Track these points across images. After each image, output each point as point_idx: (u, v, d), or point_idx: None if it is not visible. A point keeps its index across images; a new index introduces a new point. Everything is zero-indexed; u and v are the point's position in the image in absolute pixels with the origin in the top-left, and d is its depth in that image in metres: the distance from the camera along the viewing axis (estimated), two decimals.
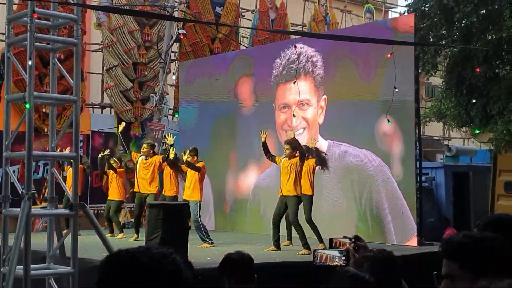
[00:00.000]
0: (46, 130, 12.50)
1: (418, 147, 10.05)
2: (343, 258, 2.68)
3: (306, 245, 8.43)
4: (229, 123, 12.31)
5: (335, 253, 2.73)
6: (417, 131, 9.99)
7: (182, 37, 13.14)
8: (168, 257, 1.38)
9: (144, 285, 1.34)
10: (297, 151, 8.76)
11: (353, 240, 2.79)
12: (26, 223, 5.51)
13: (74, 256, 5.85)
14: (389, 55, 9.36)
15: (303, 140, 11.03)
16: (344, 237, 2.86)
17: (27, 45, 5.67)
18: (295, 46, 10.30)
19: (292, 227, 8.78)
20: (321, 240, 8.49)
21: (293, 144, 8.86)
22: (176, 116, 14.85)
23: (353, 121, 10.37)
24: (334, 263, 2.70)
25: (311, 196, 8.81)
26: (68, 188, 6.74)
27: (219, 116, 12.50)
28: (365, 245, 2.78)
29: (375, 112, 10.02)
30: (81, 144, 13.85)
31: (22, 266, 5.46)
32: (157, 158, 10.35)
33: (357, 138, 10.26)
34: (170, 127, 14.39)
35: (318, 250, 2.82)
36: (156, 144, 11.62)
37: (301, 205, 8.70)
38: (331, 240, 2.90)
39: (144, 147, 10.47)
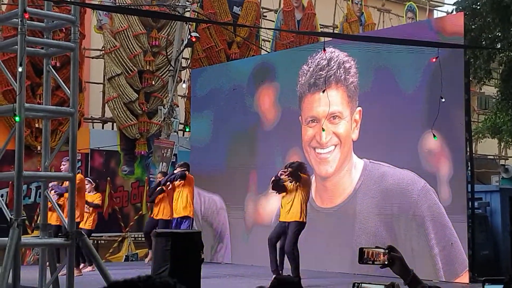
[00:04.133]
0: (39, 148, 12.62)
1: (469, 168, 9.94)
2: None
3: (297, 278, 8.71)
4: (248, 139, 12.31)
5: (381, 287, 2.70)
6: (468, 149, 9.89)
7: (194, 40, 13.23)
8: (173, 287, 1.36)
9: None
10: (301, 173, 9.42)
11: (387, 250, 2.78)
12: (15, 254, 5.54)
13: None
14: (434, 60, 9.31)
15: (335, 159, 11.00)
16: (377, 247, 2.85)
17: (17, 50, 5.74)
18: (324, 50, 10.30)
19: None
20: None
21: (296, 165, 9.50)
22: (187, 130, 14.91)
23: (393, 137, 10.30)
24: None
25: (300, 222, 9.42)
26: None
27: (237, 132, 12.51)
28: (400, 257, 2.77)
29: (419, 126, 9.95)
30: (79, 164, 14.01)
31: None
32: None
33: (397, 157, 10.18)
34: (180, 144, 14.45)
35: (361, 284, 2.78)
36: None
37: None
38: (361, 250, 2.88)
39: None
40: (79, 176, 9.75)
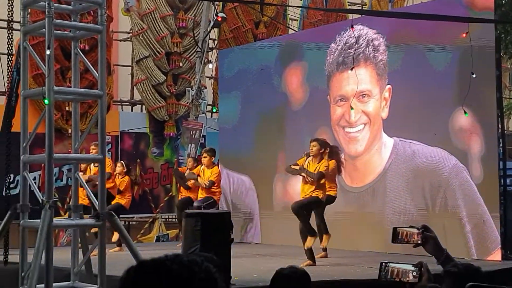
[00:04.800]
0: (69, 131, 12.70)
1: (501, 145, 9.79)
2: (415, 273, 2.61)
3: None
4: (276, 119, 12.26)
5: (409, 267, 2.66)
6: (499, 126, 9.73)
7: (220, 20, 13.14)
8: (201, 265, 1.37)
9: None
10: (325, 150, 9.21)
11: (421, 229, 2.75)
12: (47, 236, 5.59)
13: (102, 273, 5.91)
14: (464, 35, 9.14)
15: (364, 138, 10.90)
16: (410, 226, 2.83)
17: (45, 33, 5.76)
18: (352, 27, 10.16)
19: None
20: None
21: (321, 141, 9.28)
22: (214, 110, 14.92)
23: (423, 114, 10.17)
24: (407, 279, 2.62)
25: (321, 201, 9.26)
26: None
27: (265, 112, 12.46)
28: (434, 237, 2.74)
29: (449, 103, 9.80)
30: (109, 146, 14.09)
31: (43, 285, 5.53)
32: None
33: (428, 135, 10.06)
34: (209, 126, 14.45)
35: (388, 263, 2.74)
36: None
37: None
38: (395, 229, 2.85)
39: (204, 157, 10.72)
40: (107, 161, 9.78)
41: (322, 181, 9.05)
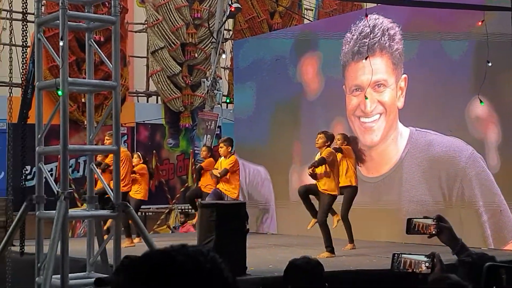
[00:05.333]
0: (85, 122, 12.77)
1: None
2: (427, 264, 2.58)
3: (330, 247, 8.77)
4: (291, 109, 12.22)
5: (421, 258, 2.63)
6: None
7: (233, 10, 13.08)
8: (206, 255, 1.37)
9: (180, 285, 1.34)
10: (331, 143, 9.30)
11: (435, 220, 2.73)
12: (62, 226, 5.60)
13: (117, 264, 5.91)
14: (480, 23, 9.04)
15: (380, 128, 10.84)
16: (425, 217, 2.81)
17: (59, 25, 5.76)
18: (367, 15, 10.07)
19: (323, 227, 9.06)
20: (351, 240, 9.38)
21: (328, 134, 9.34)
22: (228, 101, 14.91)
23: (440, 103, 10.08)
24: (420, 270, 2.60)
25: (355, 187, 9.43)
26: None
27: (280, 102, 12.42)
28: (449, 227, 2.72)
29: (465, 92, 9.71)
30: (125, 138, 14.14)
31: (58, 275, 5.56)
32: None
33: (444, 124, 9.98)
34: (224, 116, 14.46)
35: (401, 254, 2.71)
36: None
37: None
38: (409, 220, 2.83)
39: (221, 147, 10.67)
40: (123, 150, 9.69)
41: (323, 169, 9.02)
